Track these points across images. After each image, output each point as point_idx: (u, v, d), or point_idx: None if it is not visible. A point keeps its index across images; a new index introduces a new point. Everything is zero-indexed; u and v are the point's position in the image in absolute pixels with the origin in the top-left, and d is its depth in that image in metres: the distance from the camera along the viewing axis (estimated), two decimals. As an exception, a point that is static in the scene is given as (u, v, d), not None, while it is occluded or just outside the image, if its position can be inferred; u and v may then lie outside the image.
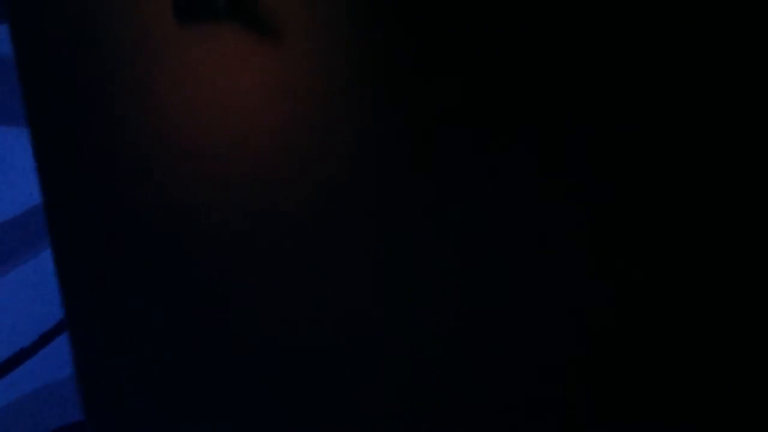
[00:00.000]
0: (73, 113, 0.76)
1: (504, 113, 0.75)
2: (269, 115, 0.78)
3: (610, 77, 0.65)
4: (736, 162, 0.66)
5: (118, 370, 0.61)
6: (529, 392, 0.60)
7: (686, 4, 0.64)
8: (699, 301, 0.61)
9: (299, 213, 0.69)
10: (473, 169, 0.72)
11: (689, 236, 0.64)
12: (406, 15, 0.86)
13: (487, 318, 0.64)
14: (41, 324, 1.53)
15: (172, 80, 0.81)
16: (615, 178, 0.67)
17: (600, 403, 0.59)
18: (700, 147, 0.64)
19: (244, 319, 0.64)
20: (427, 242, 0.65)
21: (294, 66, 0.82)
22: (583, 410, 0.59)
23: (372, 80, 0.80)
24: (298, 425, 0.59)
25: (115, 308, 0.62)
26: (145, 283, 0.65)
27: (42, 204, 0.71)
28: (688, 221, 0.63)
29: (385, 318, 0.64)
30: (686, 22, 0.65)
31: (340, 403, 0.59)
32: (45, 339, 1.46)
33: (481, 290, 0.66)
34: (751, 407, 0.58)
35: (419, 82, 0.79)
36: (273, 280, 0.65)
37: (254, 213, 0.69)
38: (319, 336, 0.63)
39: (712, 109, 0.65)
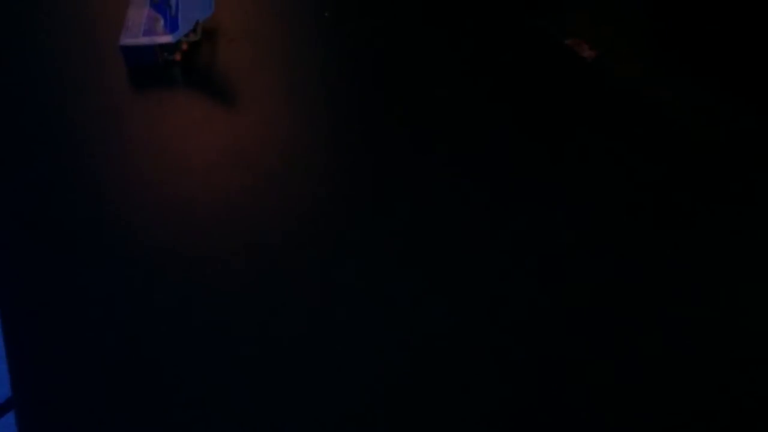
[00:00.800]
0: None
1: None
2: (218, 177, 0.78)
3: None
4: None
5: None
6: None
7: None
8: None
9: (246, 272, 0.69)
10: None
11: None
12: (358, 84, 0.87)
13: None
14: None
15: (129, 142, 0.83)
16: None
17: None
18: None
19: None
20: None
21: (245, 131, 0.84)
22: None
23: (322, 148, 0.81)
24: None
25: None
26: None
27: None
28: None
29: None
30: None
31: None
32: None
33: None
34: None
35: (369, 148, 0.80)
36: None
37: (203, 261, 0.70)
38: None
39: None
